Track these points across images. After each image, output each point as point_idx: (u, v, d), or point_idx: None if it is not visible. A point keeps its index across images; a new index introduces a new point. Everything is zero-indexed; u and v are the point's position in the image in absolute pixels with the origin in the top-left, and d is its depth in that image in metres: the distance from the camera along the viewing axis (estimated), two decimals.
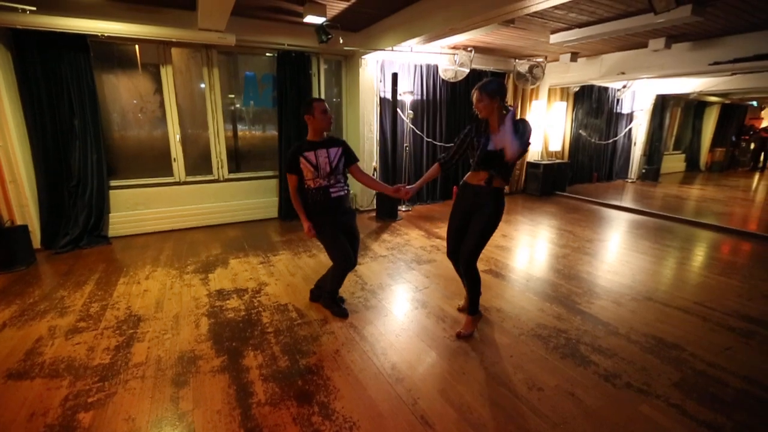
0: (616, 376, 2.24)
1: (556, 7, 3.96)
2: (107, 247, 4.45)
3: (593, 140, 8.74)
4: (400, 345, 2.53)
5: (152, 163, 4.97)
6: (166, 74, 4.77)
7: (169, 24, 4.27)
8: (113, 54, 4.55)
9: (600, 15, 4.39)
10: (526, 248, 4.59)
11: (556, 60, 6.77)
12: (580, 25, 4.79)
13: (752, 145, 11.94)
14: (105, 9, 4.05)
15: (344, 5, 4.26)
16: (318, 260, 4.00)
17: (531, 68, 6.58)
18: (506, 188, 2.80)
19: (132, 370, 2.26)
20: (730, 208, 6.84)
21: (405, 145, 6.22)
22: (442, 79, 6.29)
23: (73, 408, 1.96)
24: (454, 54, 5.94)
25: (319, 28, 4.53)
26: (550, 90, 7.47)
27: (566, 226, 5.47)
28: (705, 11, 3.89)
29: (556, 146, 7.83)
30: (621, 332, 2.70)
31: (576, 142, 8.41)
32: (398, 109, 5.86)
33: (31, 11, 3.62)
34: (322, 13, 4.31)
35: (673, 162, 10.86)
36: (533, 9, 3.33)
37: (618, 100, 8.97)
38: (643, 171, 9.45)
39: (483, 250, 2.56)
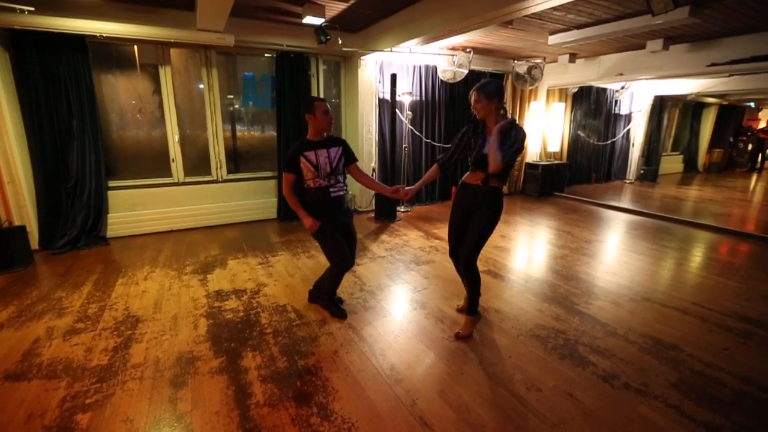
0: (614, 376, 2.24)
1: (554, 9, 3.98)
2: (105, 247, 4.44)
3: (592, 141, 8.76)
4: (398, 346, 2.53)
5: (151, 163, 4.96)
6: (165, 75, 4.77)
7: (168, 24, 4.27)
8: (112, 54, 4.54)
9: (598, 16, 4.40)
10: (525, 249, 4.59)
11: (555, 61, 6.78)
12: (579, 27, 4.81)
13: (750, 146, 11.98)
14: (103, 9, 4.05)
15: (343, 6, 4.26)
16: (317, 261, 3.99)
17: (529, 69, 6.59)
18: (505, 189, 2.80)
19: (130, 371, 2.25)
20: (728, 208, 6.86)
21: (404, 145, 6.22)
22: (441, 80, 6.29)
23: (71, 409, 1.95)
24: (453, 55, 5.95)
25: (318, 29, 4.53)
26: (548, 91, 7.49)
27: (565, 226, 5.48)
28: (702, 13, 3.90)
29: (554, 147, 7.84)
30: (619, 333, 2.70)
31: (574, 143, 8.43)
32: (397, 110, 5.86)
33: (29, 11, 3.61)
34: (321, 14, 4.32)
35: (671, 163, 10.89)
36: (532, 10, 3.33)
37: (616, 101, 8.99)
38: (642, 172, 9.47)
39: (482, 251, 2.57)
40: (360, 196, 6.16)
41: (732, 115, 11.47)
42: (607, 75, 6.41)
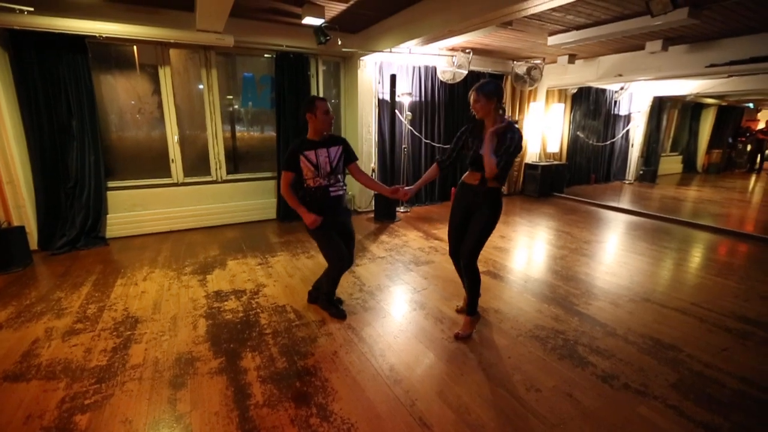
0: (613, 377, 2.24)
1: (553, 10, 3.99)
2: (104, 248, 4.44)
3: (591, 142, 8.76)
4: (398, 346, 2.53)
5: (150, 164, 4.96)
6: (165, 75, 4.77)
7: (168, 25, 4.27)
8: (111, 55, 4.54)
9: (597, 17, 4.41)
10: (524, 249, 4.60)
11: (554, 62, 6.79)
12: (578, 28, 4.81)
13: (749, 147, 11.99)
14: (103, 10, 4.05)
15: (343, 7, 4.27)
16: (316, 261, 3.99)
17: (529, 70, 6.60)
18: (504, 189, 2.80)
19: (129, 371, 2.25)
20: (727, 209, 6.87)
21: (403, 146, 6.23)
22: (441, 81, 6.29)
23: (70, 410, 1.95)
24: (453, 56, 5.96)
25: (317, 30, 4.53)
26: (548, 92, 7.50)
27: (564, 227, 5.48)
28: (701, 14, 3.91)
29: (554, 148, 7.85)
30: (618, 333, 2.70)
31: (574, 144, 8.44)
32: (396, 111, 5.87)
33: (28, 12, 3.61)
34: (321, 15, 4.32)
35: (670, 163, 10.91)
36: (531, 11, 3.34)
37: (615, 102, 9.00)
38: (641, 172, 9.48)
39: (481, 251, 2.57)
40: (359, 196, 6.16)
41: (731, 115, 11.49)
42: (607, 76, 6.42)
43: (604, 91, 8.64)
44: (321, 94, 5.80)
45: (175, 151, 5.01)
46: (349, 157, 2.74)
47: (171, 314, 2.93)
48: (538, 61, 6.73)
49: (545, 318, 2.90)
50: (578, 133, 8.45)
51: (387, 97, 5.82)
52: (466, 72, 5.98)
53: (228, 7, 3.57)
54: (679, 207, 7.03)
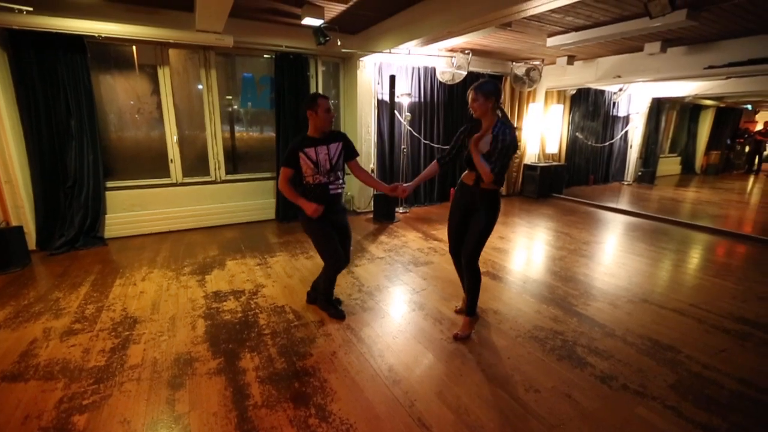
0: (612, 378, 2.24)
1: (553, 11, 4.00)
2: (103, 248, 4.43)
3: (590, 143, 8.78)
4: (397, 347, 2.53)
5: (149, 164, 4.95)
6: (164, 75, 4.76)
7: (167, 25, 4.27)
8: (110, 55, 4.54)
9: (596, 19, 4.42)
10: (523, 250, 4.60)
11: (553, 63, 6.81)
12: (577, 29, 4.82)
13: (747, 149, 12.03)
14: (102, 10, 4.05)
15: (342, 7, 4.27)
16: (315, 262, 3.99)
17: (528, 71, 6.61)
18: (503, 190, 2.81)
19: (127, 372, 2.25)
20: (725, 210, 6.89)
21: (402, 147, 6.23)
22: (440, 82, 6.30)
23: (68, 410, 1.94)
24: (452, 57, 5.96)
25: (317, 30, 4.53)
26: (547, 93, 7.51)
27: (563, 228, 5.49)
28: (700, 16, 3.92)
29: (553, 149, 7.86)
30: (617, 334, 2.71)
31: (573, 145, 8.46)
32: (396, 111, 5.87)
33: (27, 11, 3.61)
34: (320, 16, 4.32)
35: (669, 165, 10.94)
36: (530, 12, 3.35)
37: (614, 103, 9.02)
38: (639, 173, 9.50)
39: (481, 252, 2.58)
40: (359, 197, 6.16)
41: (729, 117, 11.52)
42: (605, 77, 6.44)
43: (602, 92, 8.66)
44: None
45: (174, 152, 5.00)
46: (349, 153, 2.74)
47: (170, 314, 2.92)
48: (537, 63, 6.74)
49: (544, 319, 2.91)
50: (577, 134, 8.46)
51: (386, 98, 5.82)
52: (465, 73, 5.99)
53: (228, 8, 3.57)
54: (678, 208, 7.05)
